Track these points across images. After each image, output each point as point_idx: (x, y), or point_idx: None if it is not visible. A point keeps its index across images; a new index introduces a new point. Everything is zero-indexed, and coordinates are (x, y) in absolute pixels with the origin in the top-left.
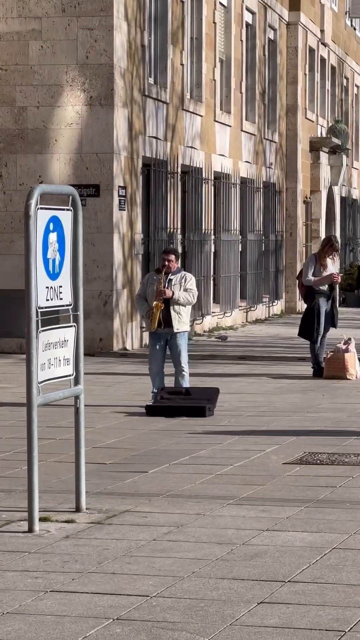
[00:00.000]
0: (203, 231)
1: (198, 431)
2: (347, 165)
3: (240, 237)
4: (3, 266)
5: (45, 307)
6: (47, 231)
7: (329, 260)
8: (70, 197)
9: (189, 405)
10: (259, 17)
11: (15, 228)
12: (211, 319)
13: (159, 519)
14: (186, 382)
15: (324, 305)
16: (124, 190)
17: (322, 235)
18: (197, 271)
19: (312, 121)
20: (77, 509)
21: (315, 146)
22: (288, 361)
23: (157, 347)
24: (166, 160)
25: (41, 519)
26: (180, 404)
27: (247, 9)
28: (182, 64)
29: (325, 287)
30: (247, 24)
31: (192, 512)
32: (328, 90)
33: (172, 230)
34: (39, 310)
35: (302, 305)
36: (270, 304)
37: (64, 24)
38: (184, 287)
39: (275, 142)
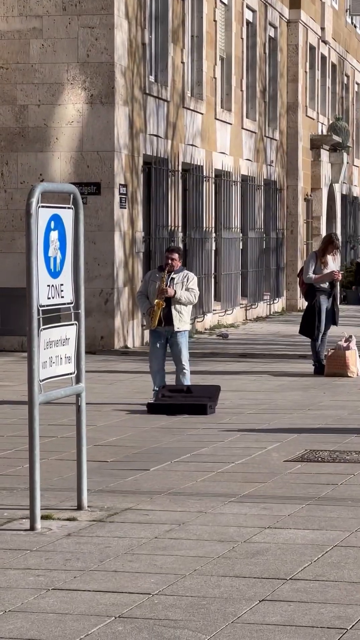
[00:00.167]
0: (204, 229)
1: (199, 429)
2: (347, 162)
3: (241, 234)
4: (4, 264)
5: (47, 306)
6: (48, 229)
7: (329, 258)
8: (71, 196)
9: (190, 403)
10: (260, 15)
11: (17, 226)
12: (212, 316)
13: (161, 516)
14: (187, 380)
15: (324, 303)
16: (124, 189)
17: (323, 232)
18: (198, 269)
19: (313, 119)
20: (79, 507)
21: (315, 144)
22: (289, 359)
23: (158, 345)
24: (167, 158)
25: (43, 517)
26: (182, 401)
27: (248, 7)
28: (182, 62)
29: (326, 285)
30: (248, 22)
31: (193, 509)
32: (329, 87)
33: (173, 228)
34: (41, 309)
35: (303, 303)
36: (271, 302)
37: (64, 22)
38: (186, 286)
39: (276, 140)
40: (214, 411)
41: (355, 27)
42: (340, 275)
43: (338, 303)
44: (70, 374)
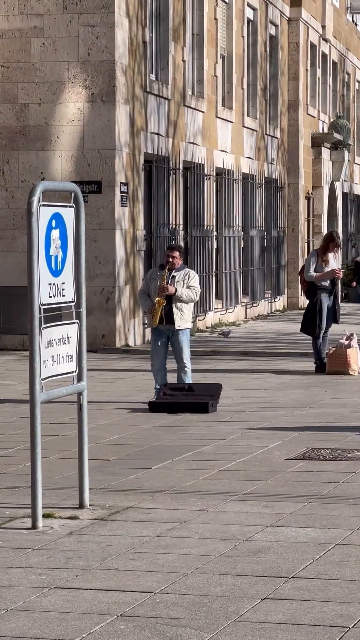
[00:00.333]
0: (205, 227)
1: (201, 427)
2: (348, 160)
3: (242, 233)
4: (5, 263)
5: (48, 304)
6: (49, 228)
7: (330, 256)
8: (73, 194)
9: (192, 401)
10: (260, 13)
11: (18, 225)
12: (213, 315)
13: (162, 515)
14: (189, 379)
15: (326, 301)
16: (125, 187)
17: (324, 231)
18: (200, 267)
19: (314, 117)
20: (81, 506)
21: (317, 142)
22: (290, 357)
23: (159, 343)
24: (168, 156)
25: (45, 516)
26: (183, 400)
27: (249, 5)
28: (183, 60)
29: (327, 283)
30: (249, 20)
31: (195, 508)
32: (329, 86)
33: (174, 226)
34: (42, 307)
35: (304, 301)
36: (273, 300)
37: (65, 21)
38: (187, 284)
39: (277, 138)
40: (216, 409)
41: (356, 25)
42: (341, 273)
43: (339, 301)
44: (72, 372)
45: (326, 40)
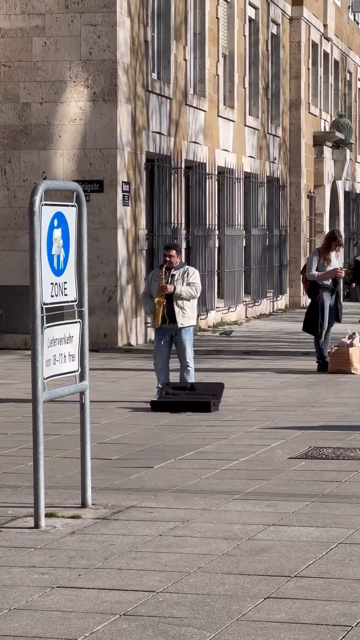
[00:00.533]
0: (207, 226)
1: (203, 426)
2: (350, 159)
3: (244, 232)
4: (7, 262)
5: (50, 303)
6: (51, 227)
7: (332, 255)
8: (75, 193)
9: (194, 400)
10: (262, 12)
11: (19, 224)
12: (215, 314)
13: (165, 514)
14: (191, 378)
15: (328, 300)
16: (127, 186)
17: (326, 229)
18: (202, 266)
19: (316, 116)
20: (83, 505)
21: (318, 140)
22: (293, 356)
23: (162, 342)
24: (170, 155)
25: (47, 515)
26: (185, 399)
27: (250, 4)
28: (185, 59)
29: (329, 282)
30: (250, 19)
31: (197, 507)
32: (331, 84)
33: (176, 225)
34: (44, 307)
35: (306, 300)
36: (275, 299)
37: (67, 20)
38: (186, 281)
39: (278, 137)
40: (218, 409)
41: (357, 24)
42: (343, 272)
43: (341, 300)
44: (74, 371)
45: (328, 39)
